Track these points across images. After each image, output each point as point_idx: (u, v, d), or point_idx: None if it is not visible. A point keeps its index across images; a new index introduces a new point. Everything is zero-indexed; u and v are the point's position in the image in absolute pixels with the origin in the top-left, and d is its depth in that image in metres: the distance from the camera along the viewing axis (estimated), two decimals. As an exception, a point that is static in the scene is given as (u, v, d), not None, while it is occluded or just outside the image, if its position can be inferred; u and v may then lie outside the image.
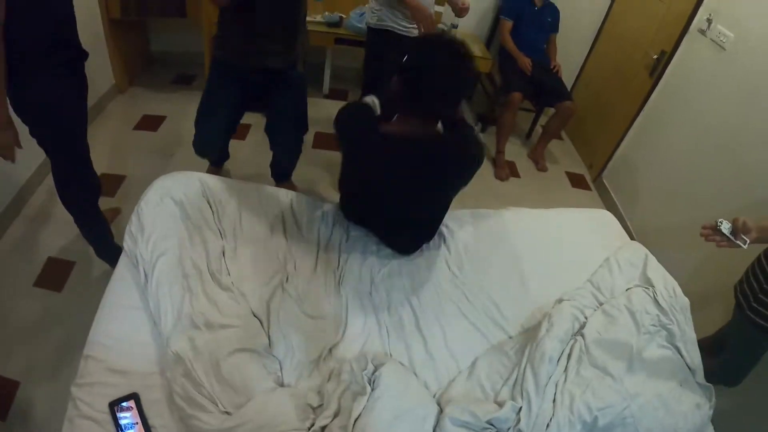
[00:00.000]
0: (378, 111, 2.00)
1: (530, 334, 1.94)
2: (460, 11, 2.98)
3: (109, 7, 3.57)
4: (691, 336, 2.03)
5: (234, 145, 3.20)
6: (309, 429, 1.49)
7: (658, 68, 3.60)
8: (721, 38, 3.00)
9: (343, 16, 4.01)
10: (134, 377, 1.58)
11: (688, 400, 1.82)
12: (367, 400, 1.52)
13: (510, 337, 1.98)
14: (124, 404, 1.49)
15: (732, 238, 1.72)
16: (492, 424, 1.59)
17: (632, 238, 3.26)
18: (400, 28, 2.97)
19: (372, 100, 2.05)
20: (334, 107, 3.48)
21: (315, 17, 3.96)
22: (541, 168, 4.23)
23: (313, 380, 1.67)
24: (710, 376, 1.95)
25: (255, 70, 2.49)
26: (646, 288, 2.20)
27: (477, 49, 4.20)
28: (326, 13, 4.01)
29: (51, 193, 2.78)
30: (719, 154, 2.94)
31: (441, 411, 1.61)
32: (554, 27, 4.19)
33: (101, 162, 2.34)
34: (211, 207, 2.13)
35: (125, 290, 1.82)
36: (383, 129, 1.85)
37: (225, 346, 1.62)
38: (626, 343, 1.91)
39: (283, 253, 2.07)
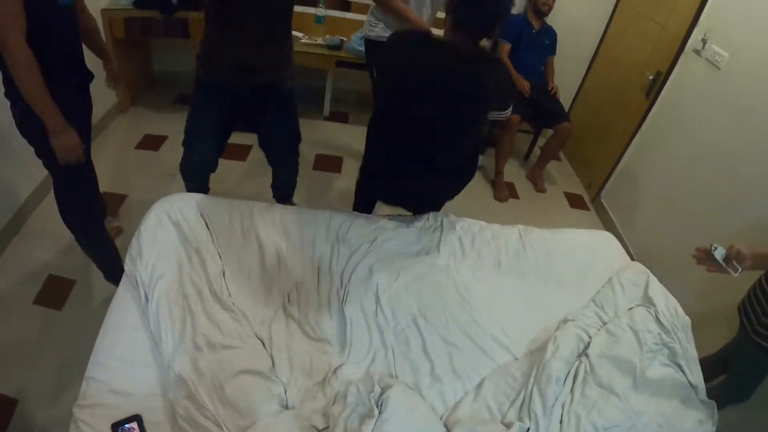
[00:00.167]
0: None
1: (536, 356, 1.93)
2: None
3: (113, 26, 3.61)
4: (693, 354, 2.04)
5: (234, 166, 3.22)
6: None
7: (654, 88, 3.62)
8: (716, 58, 3.03)
9: (344, 39, 4.05)
10: (136, 399, 1.57)
11: (692, 418, 1.83)
12: (375, 423, 1.51)
13: (516, 359, 1.97)
14: (126, 426, 1.47)
15: (724, 265, 1.71)
16: (500, 446, 1.58)
17: (632, 258, 3.29)
18: None
19: None
20: (334, 129, 3.56)
21: (316, 40, 4.00)
22: (540, 189, 4.24)
23: (318, 402, 1.65)
24: (716, 396, 1.95)
25: (245, 87, 2.46)
26: (648, 307, 2.24)
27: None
28: (327, 36, 4.05)
29: (52, 210, 2.75)
30: (717, 173, 2.95)
31: (448, 433, 1.60)
32: (552, 49, 4.22)
33: (103, 181, 2.33)
34: (208, 228, 2.13)
35: (126, 311, 1.81)
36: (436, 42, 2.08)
37: (228, 367, 1.61)
38: (630, 362, 1.92)
39: (283, 273, 2.06)
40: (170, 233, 2.04)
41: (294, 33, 3.93)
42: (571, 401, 1.76)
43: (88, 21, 2.17)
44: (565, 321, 2.11)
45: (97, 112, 2.71)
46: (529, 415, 1.67)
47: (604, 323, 2.15)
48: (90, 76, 2.06)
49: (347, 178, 3.73)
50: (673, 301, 2.27)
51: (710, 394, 1.96)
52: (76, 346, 2.21)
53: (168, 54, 4.56)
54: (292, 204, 3.21)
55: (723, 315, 2.49)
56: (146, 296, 1.82)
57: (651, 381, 1.91)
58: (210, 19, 2.30)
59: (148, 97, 4.34)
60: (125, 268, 1.94)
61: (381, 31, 3.08)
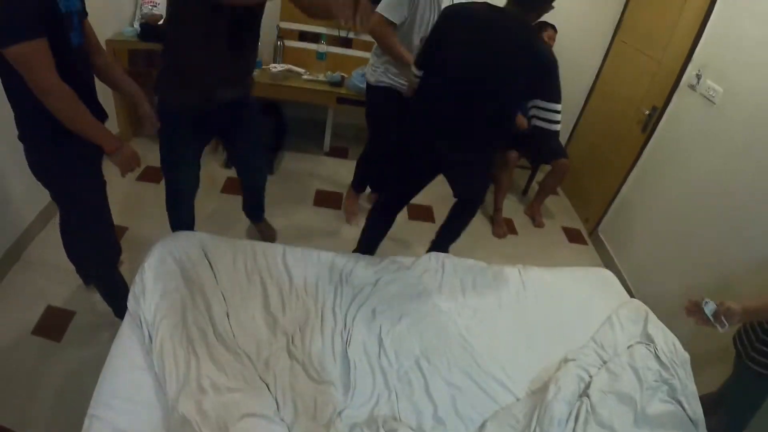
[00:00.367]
0: None
1: (538, 396, 1.94)
2: None
3: (117, 58, 3.66)
4: (693, 389, 2.07)
5: (234, 201, 3.23)
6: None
7: (650, 123, 3.67)
8: (711, 93, 3.08)
9: (345, 75, 4.10)
10: (140, 439, 1.56)
11: (692, 453, 1.84)
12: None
13: (518, 399, 1.98)
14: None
15: (712, 320, 1.76)
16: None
17: (629, 291, 3.31)
18: (399, 85, 3.06)
19: None
20: (334, 165, 3.60)
21: (317, 76, 4.05)
22: (538, 224, 4.27)
23: (322, 445, 1.65)
24: (716, 429, 1.97)
25: (216, 105, 2.43)
26: (647, 344, 2.27)
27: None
28: (328, 72, 4.11)
29: (52, 239, 2.76)
30: (714, 207, 2.98)
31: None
32: (550, 86, 4.26)
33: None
34: (212, 268, 2.15)
35: (130, 350, 1.81)
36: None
37: (234, 410, 1.61)
38: (631, 400, 1.94)
39: (287, 315, 2.07)
40: (174, 272, 2.06)
41: (296, 69, 4.02)
42: (574, 442, 1.76)
43: (100, 57, 2.10)
44: (566, 361, 2.11)
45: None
46: (533, 457, 1.67)
47: (605, 362, 2.16)
48: (104, 115, 2.06)
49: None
50: (672, 338, 2.31)
51: (710, 429, 1.97)
52: (75, 379, 2.24)
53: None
54: (267, 222, 3.30)
55: (723, 349, 2.49)
56: (150, 336, 1.82)
57: (651, 418, 1.92)
58: (175, 46, 2.25)
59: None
60: (128, 306, 1.95)
61: (381, 76, 3.11)
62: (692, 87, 3.28)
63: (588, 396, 1.93)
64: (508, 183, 4.09)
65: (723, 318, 1.74)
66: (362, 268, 2.34)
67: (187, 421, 1.56)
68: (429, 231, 3.59)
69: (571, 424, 1.83)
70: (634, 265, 3.69)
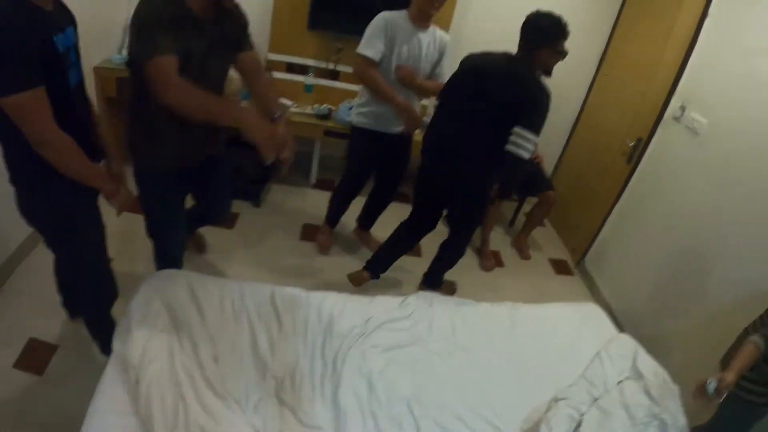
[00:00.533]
0: None
1: (529, 438, 1.93)
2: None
3: (105, 85, 3.64)
4: (683, 422, 2.08)
5: (221, 234, 3.22)
6: None
7: (635, 155, 3.71)
8: (695, 124, 3.13)
9: (332, 107, 4.11)
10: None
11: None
12: None
13: (510, 441, 1.97)
14: None
15: (715, 395, 1.84)
16: None
17: (616, 321, 3.33)
18: (382, 128, 3.07)
19: None
20: (322, 198, 3.58)
21: (305, 109, 4.06)
22: (525, 256, 4.29)
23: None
24: None
25: (195, 163, 2.37)
26: (637, 379, 2.28)
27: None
28: (316, 105, 4.12)
29: (35, 270, 2.72)
30: (699, 238, 3.02)
31: None
32: (535, 120, 4.31)
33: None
34: (199, 310, 2.11)
35: (115, 394, 1.76)
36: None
37: (223, 458, 1.58)
38: (622, 437, 1.93)
39: (276, 358, 2.04)
40: (161, 313, 2.02)
41: (284, 101, 4.02)
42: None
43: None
44: (556, 400, 2.11)
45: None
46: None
47: (595, 399, 2.16)
48: (100, 154, 2.03)
49: (335, 249, 3.73)
50: (662, 372, 2.32)
51: None
52: (57, 415, 2.19)
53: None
54: (200, 236, 3.30)
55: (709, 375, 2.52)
56: (137, 379, 1.78)
57: (643, 454, 1.91)
58: (148, 105, 2.00)
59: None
60: (114, 347, 1.91)
61: (362, 117, 3.12)
62: (676, 119, 3.33)
63: (580, 436, 1.91)
64: (495, 216, 4.11)
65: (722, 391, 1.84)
66: (351, 310, 2.32)
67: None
68: (416, 265, 3.60)
69: (564, 465, 1.82)
70: (620, 295, 3.71)
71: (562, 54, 2.68)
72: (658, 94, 3.54)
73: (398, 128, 3.10)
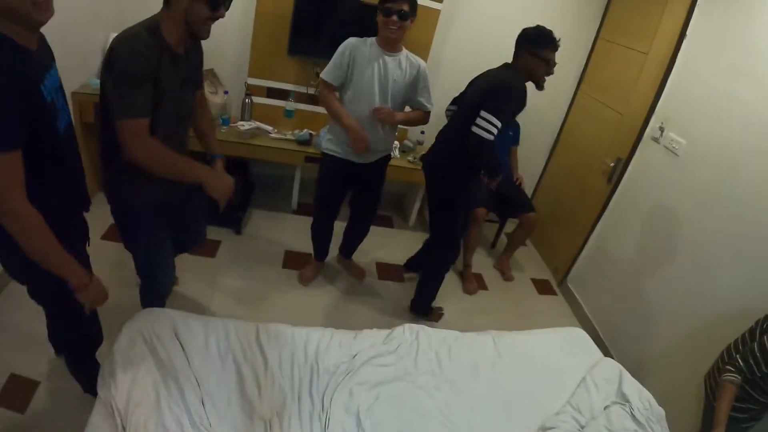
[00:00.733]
0: None
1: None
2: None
3: (83, 110, 3.57)
4: None
5: (203, 263, 3.17)
6: None
7: (615, 175, 3.76)
8: (674, 145, 3.19)
9: (313, 133, 4.08)
10: None
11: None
12: None
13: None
14: None
15: None
16: None
17: (600, 340, 3.35)
18: (350, 156, 3.03)
19: None
20: (302, 223, 3.55)
21: (285, 135, 4.03)
22: (508, 278, 4.30)
23: None
24: None
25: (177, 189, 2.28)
26: (623, 404, 2.34)
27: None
28: (296, 131, 4.09)
29: (15, 303, 2.63)
30: (680, 257, 3.06)
31: None
32: (515, 140, 4.35)
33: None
34: (184, 350, 2.08)
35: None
36: None
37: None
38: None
39: (264, 398, 2.01)
40: (145, 356, 1.98)
41: (264, 126, 4.00)
42: None
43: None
44: (544, 429, 2.14)
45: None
46: None
47: (582, 427, 2.21)
48: (87, 202, 1.95)
49: (318, 278, 3.70)
50: (647, 395, 2.38)
51: None
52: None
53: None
54: None
55: (697, 395, 2.58)
56: (123, 425, 1.74)
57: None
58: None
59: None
60: (99, 392, 1.87)
61: (331, 145, 3.09)
62: (655, 139, 3.39)
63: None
64: (477, 239, 4.11)
65: None
66: (337, 345, 2.31)
67: None
68: (399, 290, 3.59)
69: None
70: (603, 314, 3.75)
71: (544, 60, 2.74)
72: (637, 115, 3.59)
73: (367, 157, 3.07)
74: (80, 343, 2.19)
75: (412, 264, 3.94)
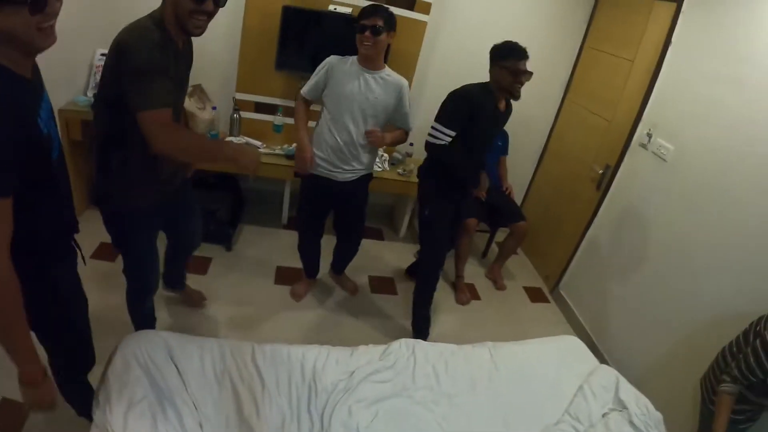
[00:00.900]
0: None
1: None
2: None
3: (70, 128, 3.52)
4: None
5: (194, 280, 3.16)
6: None
7: (604, 181, 3.79)
8: (662, 151, 3.21)
9: (302, 147, 4.05)
10: None
11: None
12: None
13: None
14: None
15: None
16: None
17: (594, 346, 3.36)
18: (327, 172, 3.01)
19: None
20: (293, 238, 3.52)
21: (274, 149, 4.02)
22: (500, 287, 4.30)
23: None
24: None
25: (168, 195, 2.35)
26: (621, 410, 2.36)
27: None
28: (285, 145, 4.08)
29: None
30: (670, 262, 3.08)
31: None
32: (504, 150, 4.38)
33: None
34: (179, 373, 2.06)
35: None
36: None
37: None
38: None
39: (262, 419, 1.99)
40: (140, 379, 1.96)
41: (253, 141, 3.99)
42: None
43: None
44: (543, 440, 2.13)
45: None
46: None
47: (581, 435, 2.19)
48: (76, 226, 1.85)
49: (309, 294, 3.67)
50: (644, 400, 2.40)
51: None
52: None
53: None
54: (188, 287, 3.22)
55: (694, 397, 2.60)
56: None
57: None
58: (120, 153, 2.06)
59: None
60: (94, 417, 1.84)
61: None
62: (643, 146, 3.42)
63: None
64: (468, 250, 4.10)
65: None
66: (334, 363, 2.30)
67: None
68: (392, 303, 3.57)
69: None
70: (596, 320, 3.76)
71: (508, 69, 2.78)
72: (625, 121, 3.62)
73: (347, 176, 3.04)
74: (72, 367, 2.16)
75: (412, 270, 3.97)
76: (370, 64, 2.81)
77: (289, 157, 3.96)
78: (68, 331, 1.86)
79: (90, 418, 2.15)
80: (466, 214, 3.83)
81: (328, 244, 3.54)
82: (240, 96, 4.10)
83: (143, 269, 2.48)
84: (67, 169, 1.73)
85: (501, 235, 4.47)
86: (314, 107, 3.06)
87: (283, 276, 3.78)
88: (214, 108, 4.00)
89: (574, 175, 4.23)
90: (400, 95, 2.91)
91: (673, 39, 3.26)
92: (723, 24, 2.91)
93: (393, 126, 3.07)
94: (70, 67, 3.57)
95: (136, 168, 2.08)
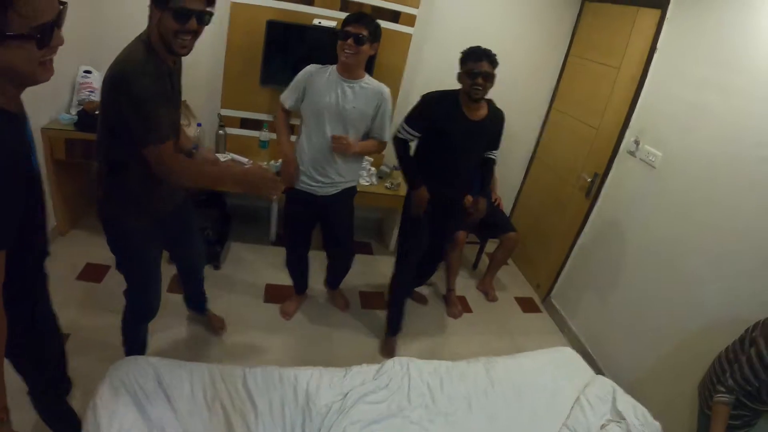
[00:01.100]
0: None
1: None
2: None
3: (54, 147, 3.46)
4: None
5: (182, 300, 3.11)
6: None
7: (593, 189, 3.79)
8: (650, 157, 3.22)
9: (289, 163, 4.01)
10: None
11: None
12: None
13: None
14: None
15: None
16: None
17: (588, 355, 3.34)
18: (309, 186, 2.98)
19: None
20: (281, 254, 3.48)
21: (261, 165, 3.97)
22: (491, 298, 4.28)
23: None
24: None
25: (168, 212, 2.34)
26: (619, 421, 2.35)
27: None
28: (272, 161, 4.04)
29: None
30: (660, 269, 3.09)
31: None
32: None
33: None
34: (169, 400, 2.01)
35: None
36: None
37: None
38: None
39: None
40: (129, 407, 1.91)
41: (239, 158, 3.94)
42: None
43: None
44: (542, 457, 2.11)
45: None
46: None
47: (580, 449, 2.17)
48: (47, 249, 1.75)
49: (299, 313, 3.62)
50: (642, 410, 2.40)
51: None
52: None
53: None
54: (210, 312, 3.21)
55: (692, 403, 2.56)
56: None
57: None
58: (127, 177, 2.06)
59: (88, 220, 4.03)
60: None
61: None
62: (631, 153, 3.42)
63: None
64: (458, 263, 4.08)
65: None
66: (327, 384, 2.26)
67: None
68: (382, 319, 3.55)
69: None
70: (590, 330, 3.75)
71: (466, 72, 2.80)
72: (612, 129, 3.63)
73: (328, 189, 3.00)
74: (51, 390, 2.09)
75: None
76: (349, 73, 2.76)
77: (275, 173, 3.91)
78: (42, 355, 1.82)
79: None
80: (455, 228, 3.80)
81: (320, 258, 3.51)
82: (225, 112, 4.06)
83: (145, 291, 2.44)
84: (43, 194, 1.66)
85: (491, 245, 4.45)
86: (294, 121, 3.02)
87: (273, 294, 3.73)
88: (199, 125, 3.95)
89: (563, 183, 4.23)
90: (379, 103, 2.85)
91: (658, 45, 3.28)
92: (708, 30, 2.92)
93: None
94: (53, 85, 3.44)
95: (135, 186, 2.10)
